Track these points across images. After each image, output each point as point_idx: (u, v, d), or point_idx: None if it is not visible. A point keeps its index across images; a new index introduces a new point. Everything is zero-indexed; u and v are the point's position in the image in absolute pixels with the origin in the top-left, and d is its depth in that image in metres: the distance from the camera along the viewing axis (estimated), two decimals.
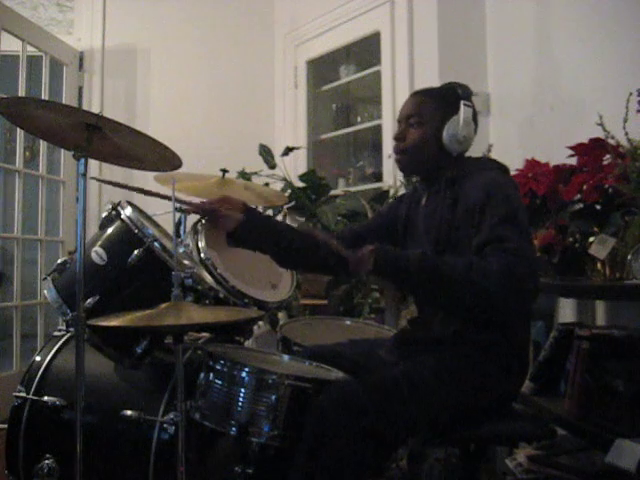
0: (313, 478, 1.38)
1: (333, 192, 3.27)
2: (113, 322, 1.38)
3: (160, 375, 1.78)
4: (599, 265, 1.86)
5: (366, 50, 3.48)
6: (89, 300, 1.61)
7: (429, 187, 1.70)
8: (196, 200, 1.79)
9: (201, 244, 1.87)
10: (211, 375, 1.56)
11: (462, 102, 1.62)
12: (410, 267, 1.42)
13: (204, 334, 1.98)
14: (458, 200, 1.57)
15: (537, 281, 1.41)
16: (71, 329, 1.92)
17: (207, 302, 1.76)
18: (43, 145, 3.48)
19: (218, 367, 1.55)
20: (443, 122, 1.62)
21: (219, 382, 1.54)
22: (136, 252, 1.66)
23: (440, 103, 1.66)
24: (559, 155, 2.09)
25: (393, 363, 1.62)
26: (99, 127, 1.43)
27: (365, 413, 1.40)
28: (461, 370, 1.50)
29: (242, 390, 1.50)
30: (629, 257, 1.74)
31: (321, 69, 3.84)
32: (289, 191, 3.09)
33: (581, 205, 2.01)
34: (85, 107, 3.65)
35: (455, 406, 1.48)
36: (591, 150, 1.97)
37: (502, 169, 1.65)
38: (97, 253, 1.71)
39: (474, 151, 1.73)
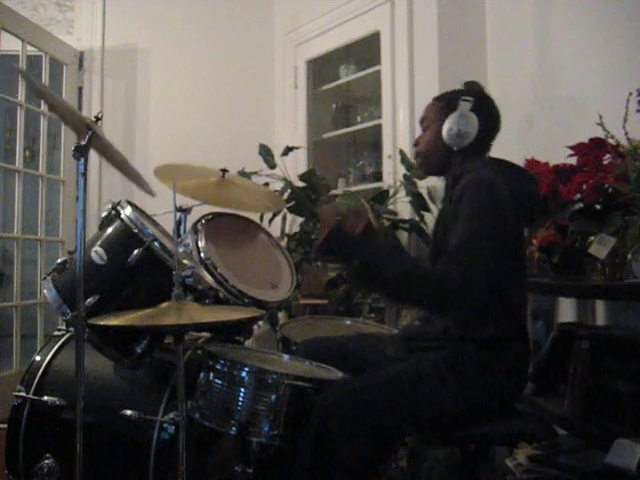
0: (316, 476, 1.39)
1: (333, 192, 3.26)
2: (113, 322, 1.38)
3: (160, 375, 1.78)
4: (599, 265, 1.86)
5: (366, 50, 3.48)
6: (89, 300, 1.61)
7: (446, 187, 1.75)
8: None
9: (201, 244, 1.87)
10: (211, 375, 1.56)
11: (461, 98, 1.65)
12: (354, 256, 1.48)
13: (204, 334, 1.98)
14: (451, 200, 1.60)
15: (471, 291, 1.43)
16: (71, 329, 1.92)
17: (207, 302, 1.76)
18: (43, 145, 3.48)
19: (218, 367, 1.55)
20: (444, 120, 1.66)
21: (219, 382, 1.54)
22: (136, 252, 1.66)
23: (444, 103, 1.71)
24: (559, 155, 2.09)
25: (398, 359, 1.63)
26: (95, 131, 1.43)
27: (367, 411, 1.41)
28: (463, 369, 1.51)
29: (242, 390, 1.50)
30: (629, 257, 1.74)
31: (321, 69, 3.83)
32: (289, 191, 3.09)
33: (581, 205, 2.00)
34: (85, 107, 3.66)
35: (457, 405, 1.48)
36: (591, 150, 1.97)
37: (496, 168, 1.63)
38: (97, 253, 1.71)
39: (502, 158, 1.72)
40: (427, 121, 1.75)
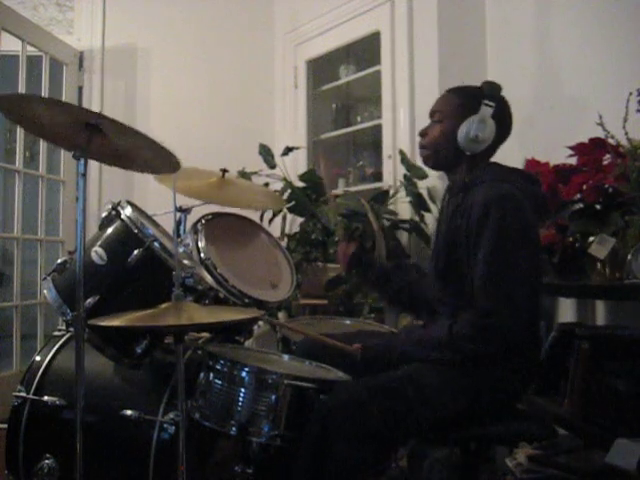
0: (316, 477, 1.39)
1: (333, 192, 3.26)
2: (113, 322, 1.38)
3: (160, 375, 1.78)
4: (599, 265, 1.86)
5: (366, 50, 3.48)
6: (89, 300, 1.61)
7: (451, 187, 1.71)
8: None
9: (201, 244, 1.87)
10: (211, 375, 1.56)
11: (483, 101, 1.60)
12: (392, 360, 1.55)
13: (204, 334, 1.98)
14: (465, 211, 1.56)
15: (510, 335, 1.45)
16: (71, 329, 1.92)
17: (207, 302, 1.76)
18: (43, 145, 3.48)
19: (218, 367, 1.55)
20: (461, 120, 1.61)
21: (219, 382, 1.54)
22: (136, 252, 1.66)
23: (463, 101, 1.65)
24: (559, 155, 2.09)
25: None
26: (98, 127, 1.42)
27: (369, 414, 1.40)
28: (465, 372, 1.49)
29: (242, 390, 1.50)
30: (629, 257, 1.74)
31: (321, 69, 3.83)
32: (289, 191, 3.08)
33: (581, 205, 2.01)
34: (85, 107, 3.65)
35: (459, 408, 1.48)
36: (591, 150, 1.97)
37: (518, 181, 1.59)
38: (97, 253, 1.71)
39: (503, 157, 1.71)
40: (440, 115, 1.67)
